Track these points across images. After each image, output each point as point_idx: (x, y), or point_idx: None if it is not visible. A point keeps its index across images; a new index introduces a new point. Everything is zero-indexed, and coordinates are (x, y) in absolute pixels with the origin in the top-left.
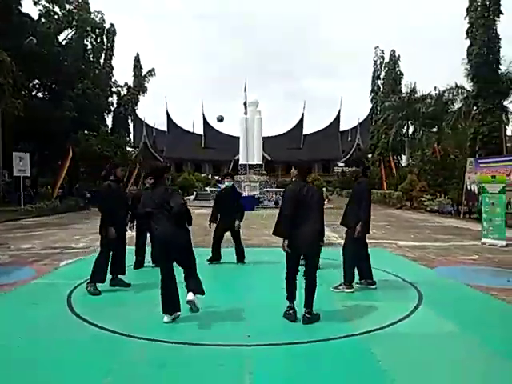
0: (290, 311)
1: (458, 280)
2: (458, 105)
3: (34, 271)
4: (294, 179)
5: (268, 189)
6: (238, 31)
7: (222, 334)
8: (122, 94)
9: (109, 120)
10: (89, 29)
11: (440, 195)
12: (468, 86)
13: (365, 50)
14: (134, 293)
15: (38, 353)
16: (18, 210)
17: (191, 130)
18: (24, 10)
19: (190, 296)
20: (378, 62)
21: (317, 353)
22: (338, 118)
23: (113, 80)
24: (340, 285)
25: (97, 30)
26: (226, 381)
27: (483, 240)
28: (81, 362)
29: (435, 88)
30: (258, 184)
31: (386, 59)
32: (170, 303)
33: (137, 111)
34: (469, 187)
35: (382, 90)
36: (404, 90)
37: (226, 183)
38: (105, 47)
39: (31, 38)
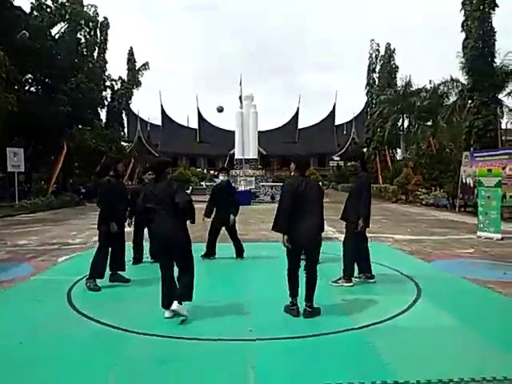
0: (293, 307)
1: (455, 273)
2: (453, 98)
3: (32, 267)
4: (292, 174)
5: (264, 183)
6: (235, 24)
7: (224, 329)
8: (116, 88)
9: (103, 114)
10: (82, 22)
11: (435, 189)
12: (463, 79)
13: (360, 42)
14: (133, 288)
15: (41, 349)
16: (14, 205)
17: (186, 125)
18: (16, 2)
19: (174, 305)
20: (374, 56)
21: (319, 347)
22: (333, 112)
23: (106, 74)
24: (339, 279)
25: (90, 24)
26: (229, 375)
27: (479, 233)
28: (84, 358)
29: (430, 81)
30: (253, 178)
31: (382, 52)
32: (171, 298)
33: (131, 105)
34: (464, 181)
35: (377, 83)
36: (399, 83)
37: (221, 178)
38: (98, 41)
39: (24, 31)
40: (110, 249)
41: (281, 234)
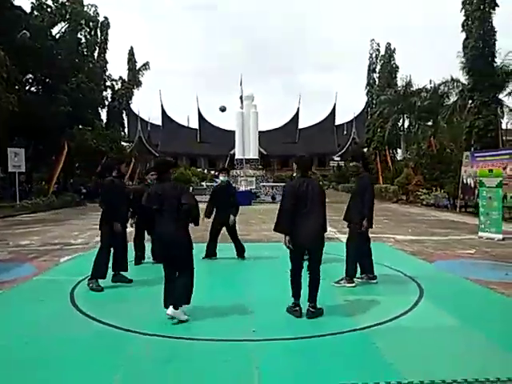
0: (296, 308)
1: (457, 274)
2: (453, 98)
3: (35, 268)
4: (295, 174)
5: (264, 183)
6: (235, 24)
7: (226, 329)
8: (117, 88)
9: (103, 114)
10: (82, 22)
11: (436, 189)
12: (463, 79)
13: (360, 42)
14: (136, 289)
15: (46, 350)
16: (15, 205)
17: (186, 125)
18: (16, 2)
19: (169, 311)
20: (374, 55)
21: (322, 347)
22: (333, 112)
23: (107, 74)
24: (341, 279)
25: (90, 24)
26: (233, 376)
27: (480, 234)
28: (89, 359)
29: (430, 81)
30: (254, 179)
31: (382, 52)
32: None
33: (131, 105)
34: (465, 181)
35: (377, 83)
36: (400, 83)
37: (222, 178)
38: (99, 41)
39: (24, 31)
40: (112, 249)
41: (282, 235)
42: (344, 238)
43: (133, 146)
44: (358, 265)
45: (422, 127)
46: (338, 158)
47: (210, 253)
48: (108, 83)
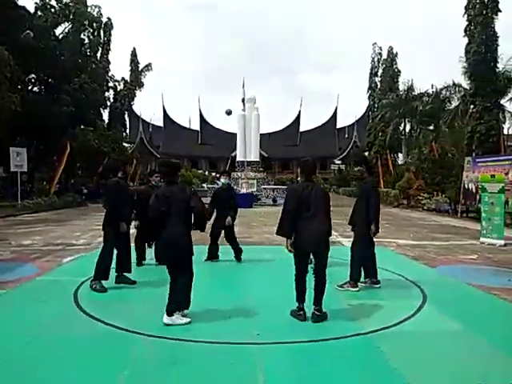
0: (300, 312)
1: (459, 279)
2: (455, 103)
3: (37, 268)
4: (299, 178)
5: (265, 186)
6: (235, 24)
7: (230, 332)
8: (119, 89)
9: (105, 115)
10: (86, 23)
11: (437, 194)
12: (465, 84)
13: (361, 43)
14: (139, 290)
15: (49, 350)
16: (16, 205)
17: (188, 126)
18: (20, 2)
19: (165, 319)
20: (376, 59)
21: (326, 351)
22: (334, 115)
23: (109, 74)
24: (345, 283)
25: (94, 24)
26: (239, 379)
27: (482, 239)
28: (92, 360)
29: (432, 86)
30: (255, 181)
31: (384, 56)
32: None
33: (133, 106)
34: (466, 186)
35: (379, 87)
36: (401, 87)
37: (223, 180)
38: (102, 41)
39: (28, 31)
40: (114, 250)
41: (284, 238)
42: (346, 241)
43: (134, 147)
44: (361, 269)
45: (424, 132)
46: (339, 162)
47: (212, 255)
48: (110, 84)
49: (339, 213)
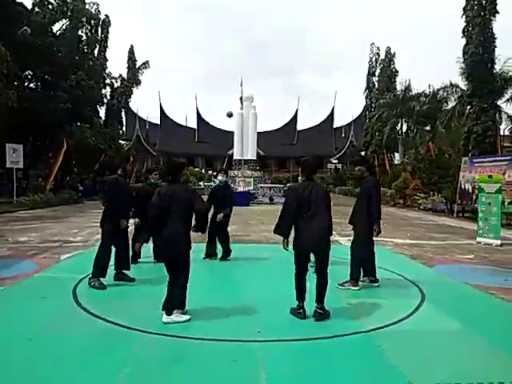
0: (300, 310)
1: (456, 279)
2: (452, 103)
3: (35, 264)
4: (300, 178)
5: (262, 184)
6: (235, 24)
7: (231, 330)
8: (116, 86)
9: (102, 112)
10: (83, 20)
11: (433, 194)
12: (463, 84)
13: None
14: (138, 287)
15: (49, 347)
16: (12, 202)
17: (184, 124)
18: None
19: (164, 318)
20: (374, 59)
21: (327, 349)
22: (331, 115)
23: (107, 72)
24: (346, 282)
25: (91, 21)
26: (241, 376)
27: (478, 239)
28: (93, 357)
29: (429, 86)
30: (252, 179)
31: (382, 56)
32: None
33: (130, 104)
34: (463, 186)
35: (376, 87)
36: (399, 87)
37: (220, 178)
38: (99, 39)
39: (25, 27)
40: (112, 247)
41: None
42: (344, 240)
43: (131, 145)
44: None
45: (421, 132)
46: (336, 161)
47: (211, 253)
48: (107, 81)
49: (336, 212)
